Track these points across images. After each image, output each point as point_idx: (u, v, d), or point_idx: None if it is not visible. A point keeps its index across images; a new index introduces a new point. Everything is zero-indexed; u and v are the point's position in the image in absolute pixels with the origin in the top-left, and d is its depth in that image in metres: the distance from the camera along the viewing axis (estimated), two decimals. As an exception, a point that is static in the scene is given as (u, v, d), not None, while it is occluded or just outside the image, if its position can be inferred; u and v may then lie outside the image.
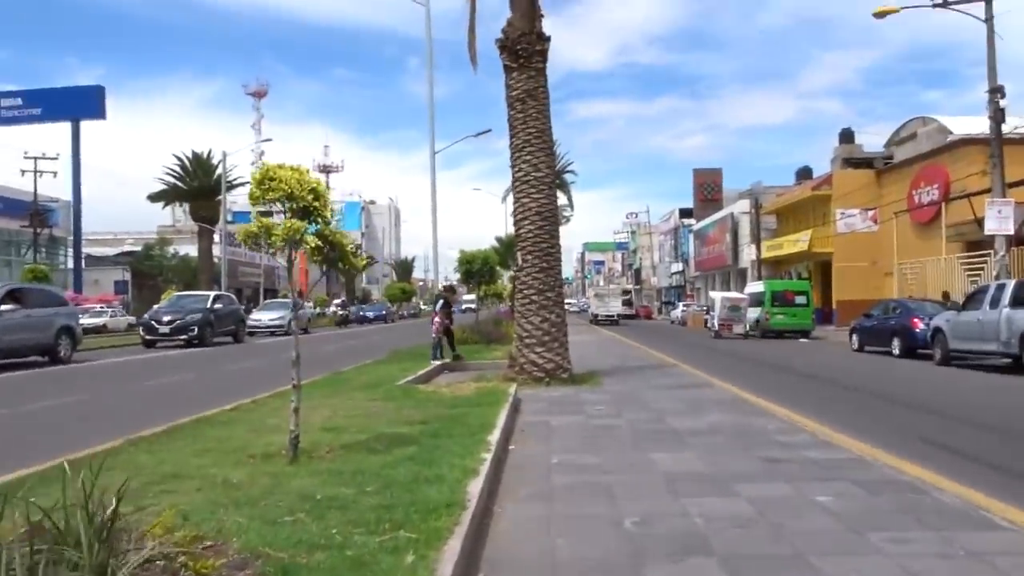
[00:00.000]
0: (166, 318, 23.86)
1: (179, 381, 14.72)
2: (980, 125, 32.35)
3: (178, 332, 23.67)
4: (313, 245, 6.10)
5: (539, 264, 12.79)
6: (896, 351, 20.00)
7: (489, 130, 25.82)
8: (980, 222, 27.94)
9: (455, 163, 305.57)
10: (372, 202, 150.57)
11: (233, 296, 29.37)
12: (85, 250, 71.70)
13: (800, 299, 31.22)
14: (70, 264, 54.92)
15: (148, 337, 23.98)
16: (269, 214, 6.27)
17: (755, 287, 34.21)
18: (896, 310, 20.81)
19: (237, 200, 46.84)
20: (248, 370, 17.06)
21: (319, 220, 6.19)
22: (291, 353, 6.69)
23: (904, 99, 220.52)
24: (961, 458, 6.85)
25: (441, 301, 18.19)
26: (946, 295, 25.00)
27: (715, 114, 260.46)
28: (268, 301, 39.39)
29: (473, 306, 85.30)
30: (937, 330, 17.53)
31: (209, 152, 43.16)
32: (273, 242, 5.87)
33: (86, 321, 33.90)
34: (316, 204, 5.85)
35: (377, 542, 3.76)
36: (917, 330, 19.26)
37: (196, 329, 23.79)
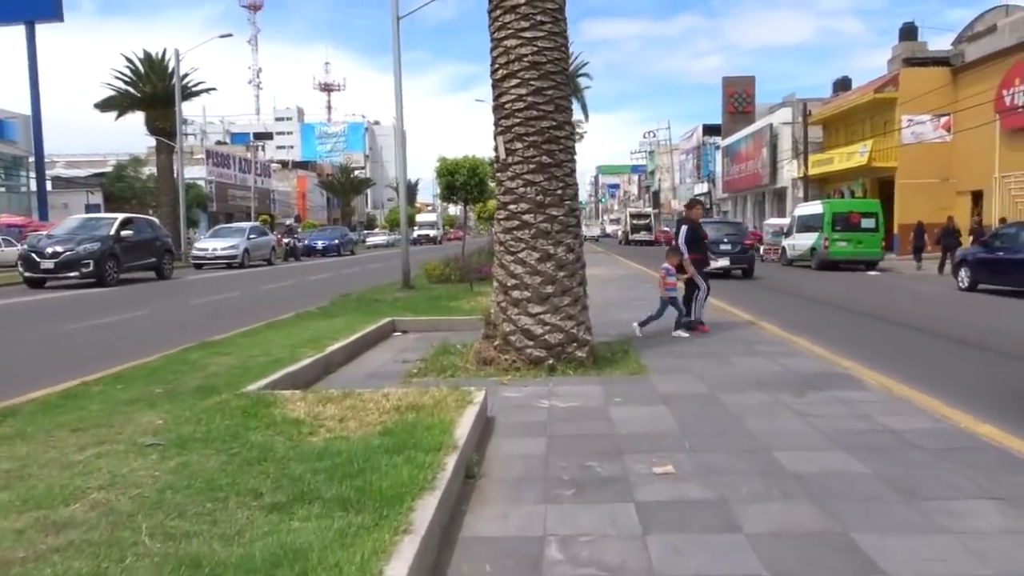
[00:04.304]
0: (51, 249, 18.08)
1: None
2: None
3: (67, 267, 17.97)
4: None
5: (537, 158, 7.14)
6: (1041, 293, 14.44)
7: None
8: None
9: (465, 85, 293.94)
10: (376, 123, 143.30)
11: (153, 219, 23.60)
12: (60, 172, 66.17)
13: (868, 222, 25.27)
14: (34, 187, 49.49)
15: (29, 274, 18.26)
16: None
17: (809, 208, 28.24)
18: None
19: (202, 112, 40.77)
20: (107, 328, 11.66)
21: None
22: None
23: (927, 18, 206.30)
24: None
25: (684, 228, 9.94)
26: (1003, 221, 19.53)
27: (731, 34, 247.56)
28: (219, 226, 33.41)
29: (433, 232, 72.98)
30: None
31: (163, 53, 36.84)
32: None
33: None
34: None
35: None
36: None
37: (92, 263, 18.12)
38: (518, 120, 7.13)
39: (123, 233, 19.43)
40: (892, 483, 3.87)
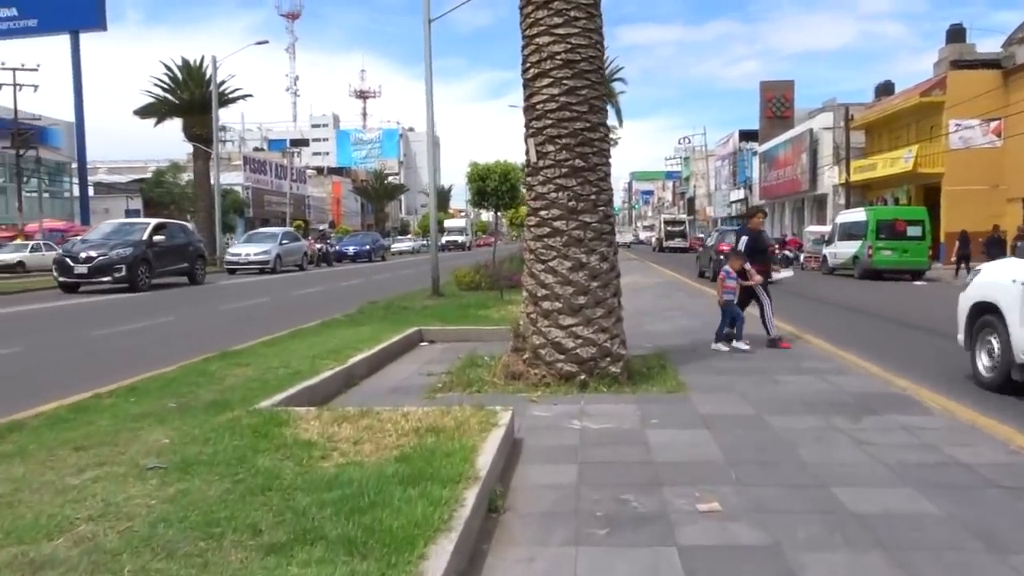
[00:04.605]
0: (84, 254, 18.23)
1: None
2: None
3: (100, 272, 18.08)
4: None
5: (570, 161, 6.77)
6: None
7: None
8: None
9: (499, 92, 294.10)
10: (411, 129, 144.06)
11: (186, 225, 23.76)
12: (102, 178, 67.42)
13: (914, 230, 24.46)
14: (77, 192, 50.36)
15: (63, 279, 18.43)
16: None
17: (851, 215, 27.42)
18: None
19: (241, 119, 41.19)
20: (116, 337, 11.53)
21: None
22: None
23: (973, 20, 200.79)
24: None
25: (744, 238, 9.41)
26: None
27: (769, 38, 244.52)
28: (253, 232, 33.57)
29: (461, 238, 72.12)
30: None
31: (201, 60, 37.21)
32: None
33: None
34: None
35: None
36: None
37: (124, 268, 18.20)
38: (550, 121, 6.77)
39: (155, 238, 19.52)
40: (971, 529, 3.41)
